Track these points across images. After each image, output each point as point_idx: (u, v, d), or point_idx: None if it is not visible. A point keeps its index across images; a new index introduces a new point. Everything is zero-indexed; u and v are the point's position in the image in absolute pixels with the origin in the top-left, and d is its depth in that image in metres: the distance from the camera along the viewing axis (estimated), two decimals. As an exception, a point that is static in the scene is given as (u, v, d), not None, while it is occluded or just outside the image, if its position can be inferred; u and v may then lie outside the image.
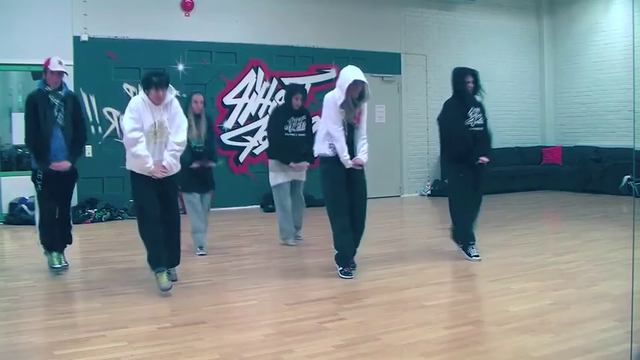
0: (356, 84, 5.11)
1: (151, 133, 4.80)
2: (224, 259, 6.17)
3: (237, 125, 10.31)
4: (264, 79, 10.47)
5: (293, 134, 6.66)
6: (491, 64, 12.50)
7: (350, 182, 5.30)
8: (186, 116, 5.36)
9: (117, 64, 9.25)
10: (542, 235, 7.60)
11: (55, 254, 5.60)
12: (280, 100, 9.53)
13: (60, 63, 5.35)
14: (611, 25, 12.03)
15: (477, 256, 5.87)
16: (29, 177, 5.54)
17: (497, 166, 10.74)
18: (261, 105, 10.46)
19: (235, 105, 10.26)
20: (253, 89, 10.40)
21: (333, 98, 5.20)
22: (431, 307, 4.41)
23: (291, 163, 6.61)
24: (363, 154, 5.32)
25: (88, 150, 8.92)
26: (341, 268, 5.30)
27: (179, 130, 4.94)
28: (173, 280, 4.97)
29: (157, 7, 9.55)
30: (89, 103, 9.08)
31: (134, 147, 4.74)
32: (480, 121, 5.89)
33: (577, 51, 12.77)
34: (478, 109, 5.92)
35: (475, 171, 5.88)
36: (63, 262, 5.65)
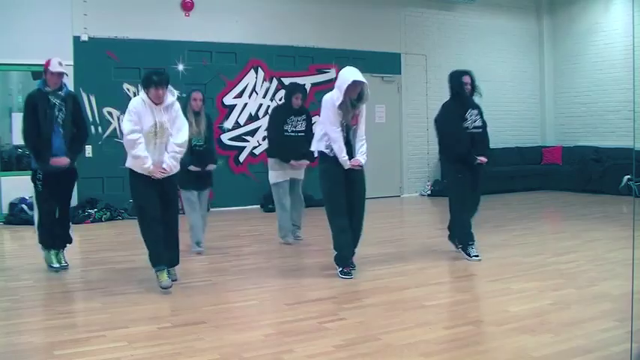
0: (355, 85, 5.10)
1: (151, 133, 4.80)
2: (224, 259, 6.17)
3: (237, 125, 10.31)
4: (264, 79, 10.47)
5: (293, 134, 6.67)
6: (491, 64, 12.51)
7: (349, 182, 5.29)
8: (185, 115, 5.37)
9: (117, 64, 9.25)
10: (542, 235, 7.60)
11: (53, 253, 5.61)
12: (280, 99, 9.53)
13: (60, 64, 5.36)
14: (611, 25, 12.03)
15: (477, 256, 5.87)
16: (29, 177, 5.55)
17: (497, 166, 10.77)
18: (261, 105, 10.46)
19: (235, 105, 10.26)
20: (253, 89, 10.40)
21: (332, 99, 5.20)
22: (431, 307, 4.41)
23: (292, 161, 6.62)
24: (361, 155, 5.31)
25: (88, 150, 8.94)
26: (341, 269, 5.30)
27: (180, 132, 4.95)
28: (173, 280, 4.98)
29: (157, 7, 9.55)
30: (89, 103, 9.07)
31: (133, 149, 4.77)
32: (478, 123, 5.91)
33: (577, 51, 12.77)
34: (476, 111, 5.94)
35: (473, 172, 5.90)
36: (63, 262, 5.67)
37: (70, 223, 5.88)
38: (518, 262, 5.80)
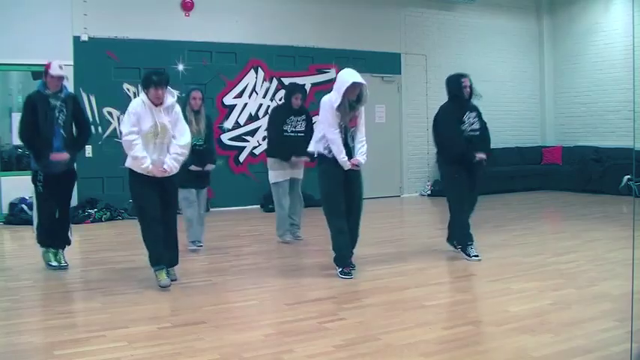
0: (354, 86, 5.10)
1: (150, 134, 4.82)
2: (224, 259, 6.17)
3: (237, 125, 10.31)
4: (264, 79, 10.47)
5: (292, 134, 6.68)
6: (491, 64, 12.52)
7: (346, 183, 5.29)
8: (185, 114, 5.38)
9: (117, 64, 9.25)
10: (542, 235, 7.60)
11: (52, 252, 5.62)
12: (280, 99, 9.53)
13: (61, 67, 5.36)
14: (611, 25, 12.03)
15: (477, 256, 5.87)
16: (29, 177, 5.56)
17: (497, 166, 10.77)
18: (261, 105, 10.46)
19: (235, 105, 10.26)
20: (253, 89, 10.40)
21: (330, 101, 5.20)
22: (431, 307, 4.41)
23: (293, 158, 6.62)
24: (361, 155, 5.31)
25: (88, 150, 8.94)
26: (340, 269, 5.30)
27: (183, 136, 4.98)
28: (173, 280, 4.99)
29: (157, 7, 9.55)
30: (89, 103, 9.07)
31: (130, 150, 4.82)
32: (476, 126, 5.91)
33: (577, 51, 12.77)
34: (474, 114, 5.94)
35: (471, 172, 5.90)
36: (62, 262, 5.67)
37: (70, 225, 5.88)
38: (518, 262, 5.80)
